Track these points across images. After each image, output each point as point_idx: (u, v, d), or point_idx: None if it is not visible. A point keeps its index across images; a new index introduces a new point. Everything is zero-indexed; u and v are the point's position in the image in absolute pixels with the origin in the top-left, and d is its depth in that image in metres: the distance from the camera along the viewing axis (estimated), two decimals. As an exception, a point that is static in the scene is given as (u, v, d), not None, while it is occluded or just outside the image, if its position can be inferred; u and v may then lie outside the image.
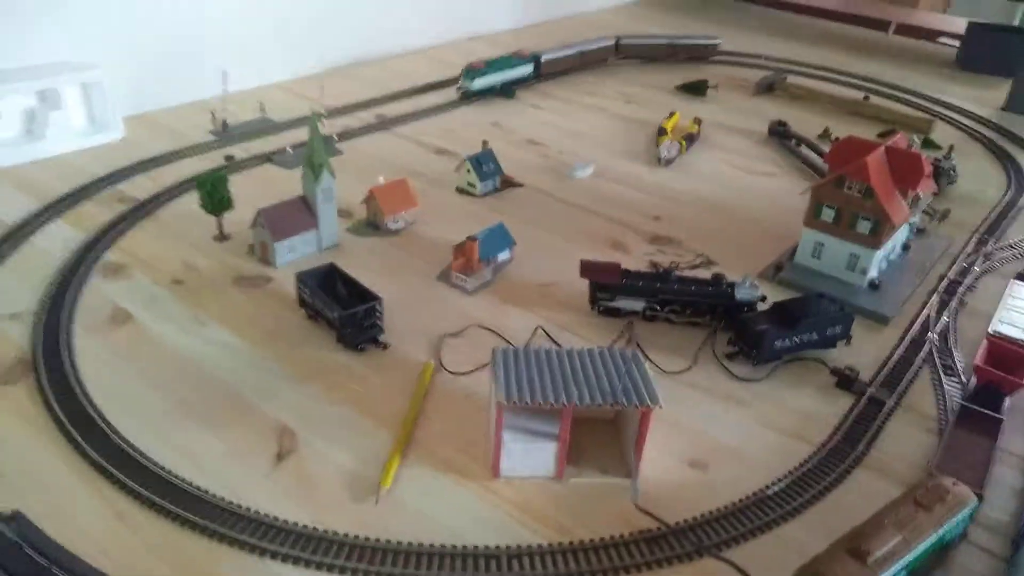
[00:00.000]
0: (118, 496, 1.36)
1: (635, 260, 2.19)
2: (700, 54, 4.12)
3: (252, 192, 2.32)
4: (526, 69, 3.48)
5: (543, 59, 3.57)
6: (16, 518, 1.29)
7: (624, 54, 3.97)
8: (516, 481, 1.44)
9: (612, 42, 3.93)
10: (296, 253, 2.09)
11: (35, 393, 1.58)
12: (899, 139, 2.23)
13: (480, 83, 3.27)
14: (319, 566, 1.25)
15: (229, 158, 2.64)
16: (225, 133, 2.81)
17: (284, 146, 2.66)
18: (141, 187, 2.42)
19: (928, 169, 2.17)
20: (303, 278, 1.84)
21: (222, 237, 2.18)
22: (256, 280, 2.01)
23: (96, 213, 2.25)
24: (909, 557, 1.18)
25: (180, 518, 1.32)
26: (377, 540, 1.30)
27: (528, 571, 1.26)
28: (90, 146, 2.67)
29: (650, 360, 1.77)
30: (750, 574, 1.16)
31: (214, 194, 2.11)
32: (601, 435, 1.55)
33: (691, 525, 1.37)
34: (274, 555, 1.27)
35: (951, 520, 1.25)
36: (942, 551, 1.28)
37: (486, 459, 1.48)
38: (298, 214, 2.10)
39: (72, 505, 1.34)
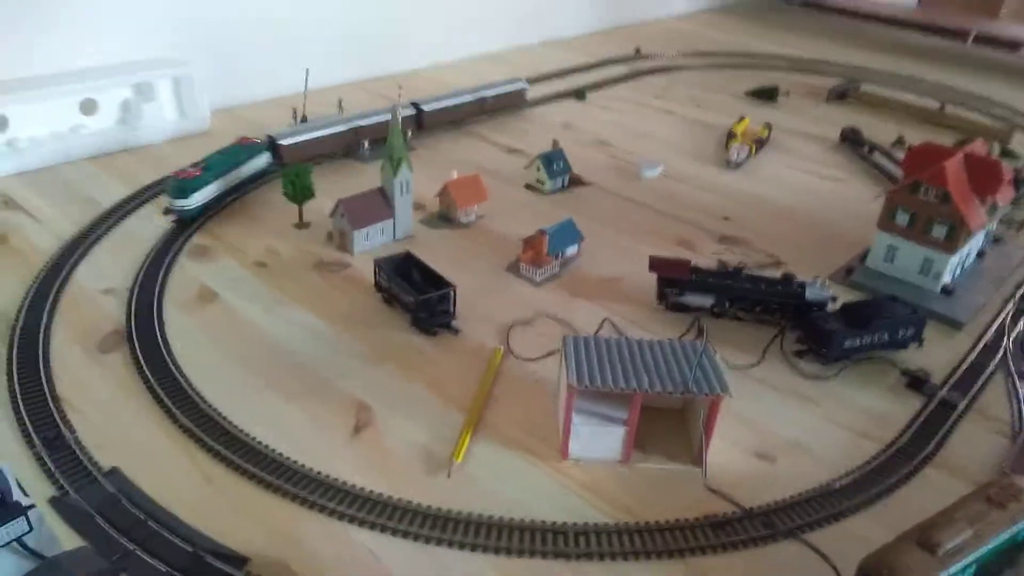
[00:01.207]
0: (207, 459, 1.45)
1: (703, 259, 2.21)
2: (509, 103, 3.26)
3: (330, 185, 2.41)
4: (261, 160, 2.46)
5: (282, 143, 2.57)
6: (114, 473, 1.38)
7: (429, 123, 2.96)
8: (584, 463, 1.48)
9: (411, 111, 2.90)
10: (372, 242, 2.16)
11: (129, 362, 1.68)
12: (978, 145, 2.20)
13: (201, 197, 2.19)
14: (395, 532, 1.31)
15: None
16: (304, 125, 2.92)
17: (361, 141, 2.75)
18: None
19: (1007, 176, 2.13)
20: (381, 264, 1.91)
21: (302, 225, 2.27)
22: (334, 266, 2.09)
23: (185, 199, 2.38)
24: (980, 552, 1.17)
25: (264, 482, 1.40)
26: (449, 511, 1.35)
27: (594, 547, 1.29)
28: (179, 136, 2.81)
29: (717, 354, 1.78)
30: (827, 556, 1.16)
31: (298, 184, 2.21)
32: (668, 424, 1.57)
33: (761, 511, 1.38)
34: (352, 519, 1.33)
35: (1025, 519, 1.24)
36: (1014, 550, 1.27)
37: (554, 441, 1.52)
38: (376, 205, 2.17)
39: (164, 466, 1.43)
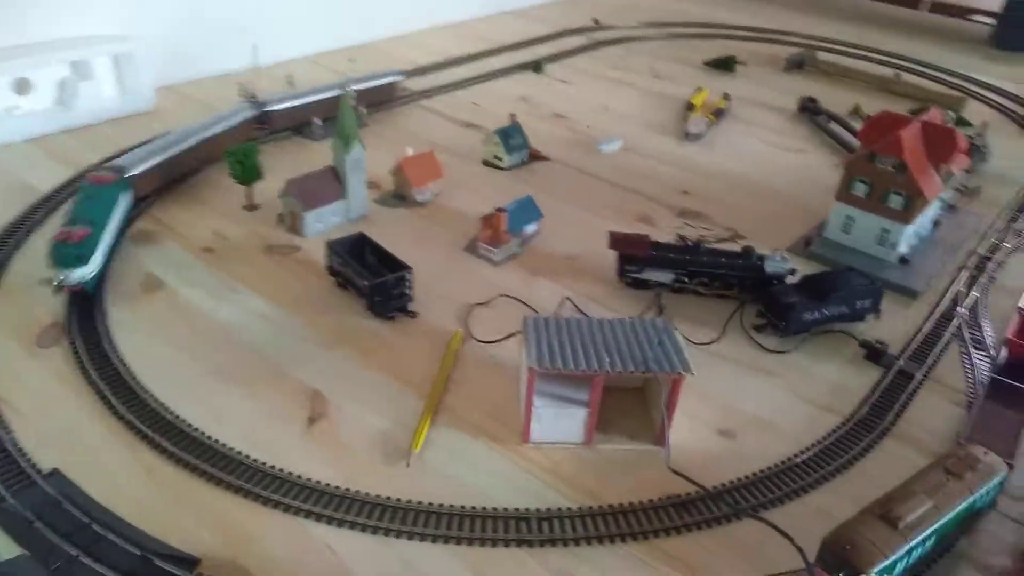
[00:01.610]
0: (154, 457, 1.39)
1: (663, 234, 2.18)
2: (380, 97, 2.89)
3: (280, 164, 2.34)
4: (124, 201, 2.00)
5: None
6: (55, 475, 1.32)
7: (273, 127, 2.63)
8: (545, 447, 1.45)
9: (251, 113, 2.56)
10: (325, 223, 2.10)
11: (70, 356, 1.61)
12: (933, 114, 2.20)
13: (100, 258, 1.80)
14: (353, 525, 1.27)
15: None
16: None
17: (312, 119, 2.67)
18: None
19: (963, 144, 2.14)
20: (334, 246, 1.85)
21: (251, 207, 2.20)
22: (285, 249, 2.03)
23: (128, 182, 2.28)
24: (939, 523, 1.18)
25: (215, 478, 1.34)
26: (409, 501, 1.32)
27: (558, 533, 1.28)
28: (121, 116, 2.69)
29: (678, 331, 1.76)
30: (789, 535, 1.15)
31: (244, 163, 2.13)
32: (629, 404, 1.55)
33: (724, 490, 1.37)
34: (308, 514, 1.29)
35: (981, 488, 1.25)
36: (972, 519, 1.28)
37: (516, 425, 1.49)
38: (327, 185, 2.11)
39: (109, 466, 1.36)
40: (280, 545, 1.24)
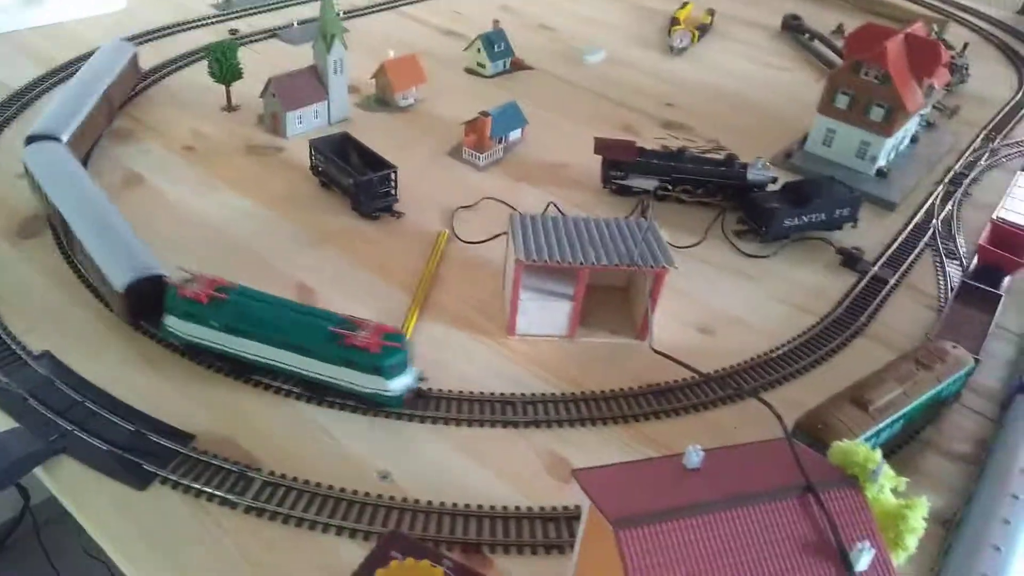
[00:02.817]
0: (145, 342, 1.40)
1: (647, 144, 2.18)
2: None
3: (258, 68, 2.28)
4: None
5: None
6: (46, 357, 1.33)
7: None
8: (530, 339, 1.49)
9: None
10: (306, 125, 2.07)
11: (53, 246, 1.60)
12: (918, 27, 2.20)
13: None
14: (343, 407, 1.30)
15: (233, 32, 2.59)
16: (229, 6, 2.74)
17: (291, 21, 2.60)
18: (144, 57, 2.37)
19: (945, 58, 2.15)
20: (317, 145, 1.83)
21: (231, 108, 2.15)
22: (268, 150, 2.00)
23: (102, 80, 2.22)
24: (907, 408, 1.23)
25: (205, 361, 1.36)
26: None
27: (542, 415, 1.32)
28: (92, 15, 2.60)
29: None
30: (770, 404, 1.18)
31: (224, 63, 2.08)
32: (612, 302, 1.58)
33: (706, 377, 1.42)
34: (299, 396, 1.31)
35: (949, 378, 1.30)
36: (938, 408, 1.34)
37: (501, 320, 1.52)
38: (309, 85, 2.07)
39: (101, 350, 1.37)
40: (274, 424, 1.27)
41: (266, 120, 2.08)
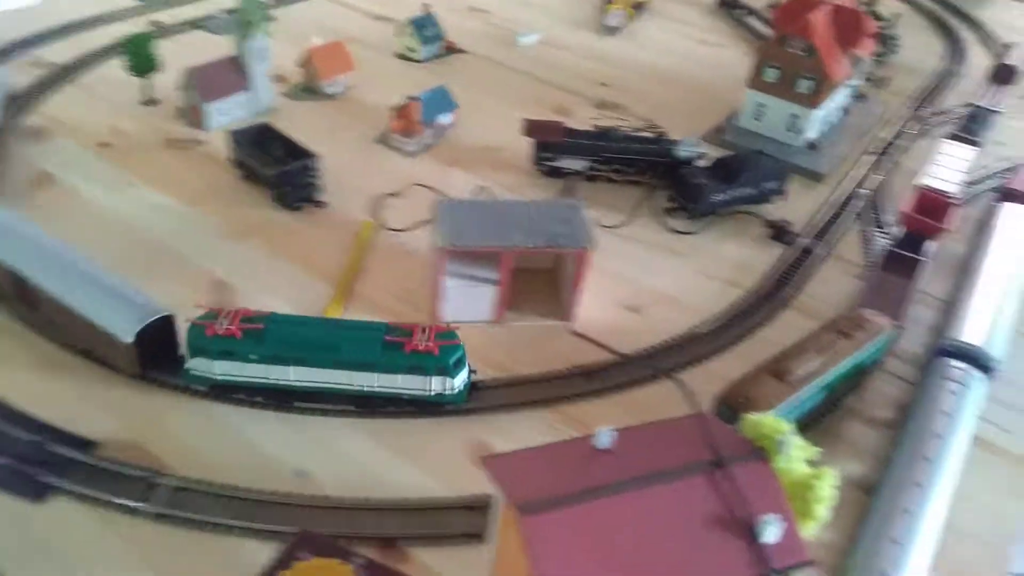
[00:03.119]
0: (50, 348, 1.34)
1: (580, 125, 2.16)
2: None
3: (181, 60, 2.20)
4: None
5: None
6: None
7: None
8: (457, 326, 1.46)
9: None
10: (229, 116, 2.01)
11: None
12: (845, -2, 2.21)
13: None
14: (264, 406, 1.26)
15: (156, 24, 2.50)
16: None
17: (216, 11, 2.53)
18: (61, 52, 2.29)
19: (870, 28, 2.16)
20: (237, 137, 1.78)
21: (150, 101, 2.09)
22: (187, 143, 1.95)
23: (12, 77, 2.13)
24: (827, 377, 1.24)
25: (115, 367, 1.31)
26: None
27: (471, 403, 1.29)
28: (5, 9, 2.49)
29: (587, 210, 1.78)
30: (693, 392, 1.18)
31: (139, 54, 2.01)
32: (540, 285, 1.57)
33: (630, 357, 1.41)
34: (213, 397, 1.27)
35: (869, 346, 1.31)
36: (860, 375, 1.35)
37: (428, 308, 1.49)
38: (230, 75, 2.01)
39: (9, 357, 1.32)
40: (185, 427, 1.23)
41: (185, 113, 2.02)
